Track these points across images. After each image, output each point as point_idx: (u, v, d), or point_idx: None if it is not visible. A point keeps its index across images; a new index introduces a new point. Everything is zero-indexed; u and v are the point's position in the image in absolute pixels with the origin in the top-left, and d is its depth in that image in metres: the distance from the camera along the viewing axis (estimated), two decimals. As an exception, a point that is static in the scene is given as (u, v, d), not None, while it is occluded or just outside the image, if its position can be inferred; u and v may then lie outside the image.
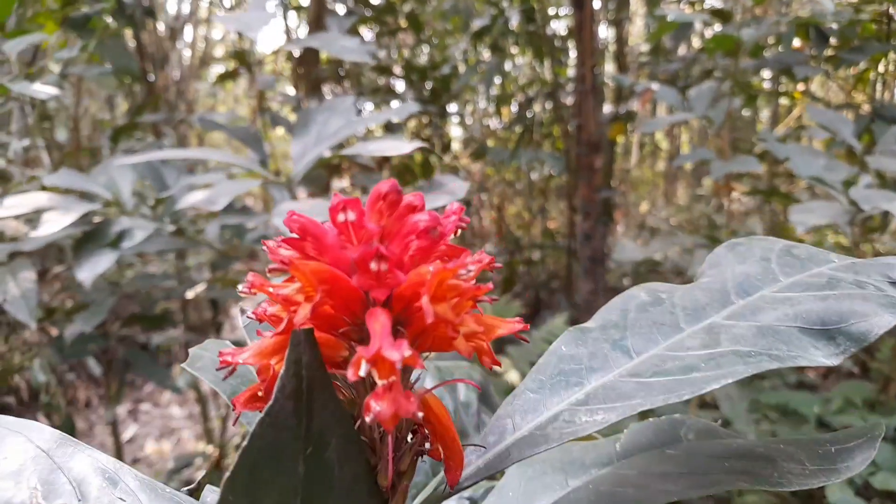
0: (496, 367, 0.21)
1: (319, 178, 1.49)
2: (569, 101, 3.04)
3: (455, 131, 3.78)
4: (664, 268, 2.81)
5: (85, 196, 1.16)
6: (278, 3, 1.10)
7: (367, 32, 2.64)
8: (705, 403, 1.83)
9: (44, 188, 1.19)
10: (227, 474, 0.18)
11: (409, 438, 0.22)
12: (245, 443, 0.18)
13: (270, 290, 0.19)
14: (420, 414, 0.17)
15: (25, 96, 1.34)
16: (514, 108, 3.53)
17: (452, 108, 3.23)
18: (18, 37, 1.47)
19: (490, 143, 3.70)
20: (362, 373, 0.17)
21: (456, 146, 3.64)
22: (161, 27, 2.67)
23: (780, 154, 1.25)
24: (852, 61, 1.95)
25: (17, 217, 1.55)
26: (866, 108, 2.25)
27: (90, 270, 0.94)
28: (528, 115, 3.14)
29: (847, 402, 1.81)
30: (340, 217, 0.19)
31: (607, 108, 3.23)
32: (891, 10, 2.01)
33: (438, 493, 0.22)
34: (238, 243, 1.54)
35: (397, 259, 0.19)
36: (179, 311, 1.81)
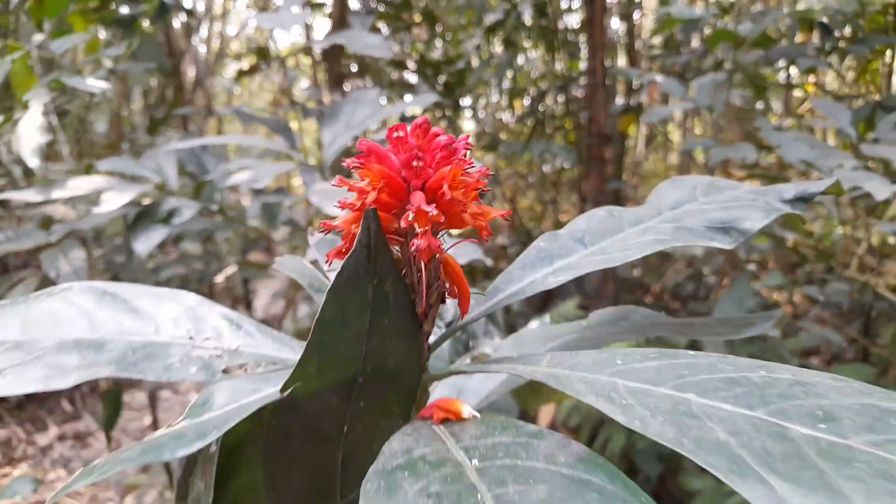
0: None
1: (343, 166, 1.61)
2: (580, 94, 3.13)
3: (468, 125, 3.89)
4: (675, 256, 2.89)
5: (135, 179, 1.29)
6: (305, 3, 1.22)
7: (382, 26, 2.75)
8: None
9: (94, 172, 1.32)
10: (329, 288, 0.30)
11: (434, 285, 0.33)
12: (338, 272, 0.30)
13: (352, 184, 0.31)
14: (441, 254, 0.29)
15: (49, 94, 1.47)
16: (526, 101, 3.62)
17: (465, 101, 3.33)
18: (63, 36, 1.61)
19: (502, 136, 3.80)
20: (409, 219, 0.29)
21: (469, 140, 3.73)
22: (177, 24, 2.80)
23: (771, 141, 1.35)
24: (858, 53, 2.01)
25: (64, 202, 1.70)
26: (876, 97, 2.31)
27: (145, 243, 1.07)
28: (541, 108, 3.23)
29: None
30: (394, 134, 0.31)
31: (619, 101, 3.33)
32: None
33: (454, 320, 0.34)
34: (267, 230, 1.67)
35: (428, 162, 0.31)
36: (208, 293, 1.94)
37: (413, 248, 0.29)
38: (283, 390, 0.27)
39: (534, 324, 0.62)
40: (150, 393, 1.62)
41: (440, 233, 0.33)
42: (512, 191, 4.07)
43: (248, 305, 1.69)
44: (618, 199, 3.18)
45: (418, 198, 0.30)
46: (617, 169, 3.33)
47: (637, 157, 4.93)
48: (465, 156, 0.33)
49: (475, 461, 0.22)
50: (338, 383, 0.31)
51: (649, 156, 5.08)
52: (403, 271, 0.33)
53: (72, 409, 2.82)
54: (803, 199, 0.40)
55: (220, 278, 1.86)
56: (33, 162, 1.07)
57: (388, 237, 0.32)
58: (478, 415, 0.28)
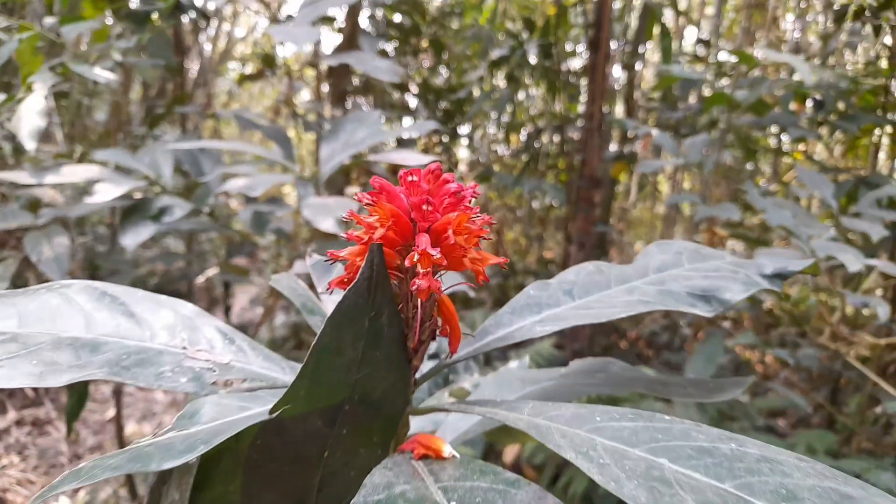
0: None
1: (337, 182, 1.63)
2: (576, 136, 3.20)
3: (463, 153, 3.94)
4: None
5: (128, 172, 1.29)
6: (317, 20, 1.25)
7: (388, 47, 2.80)
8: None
9: (90, 160, 1.32)
10: (328, 316, 0.31)
11: (427, 322, 0.35)
12: (339, 300, 0.31)
13: (361, 218, 0.33)
14: (440, 295, 0.30)
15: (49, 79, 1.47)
16: (522, 136, 3.69)
17: (463, 130, 3.39)
18: (73, 22, 1.62)
19: (496, 167, 3.86)
20: (414, 260, 0.30)
21: (462, 168, 3.79)
22: (184, 20, 2.82)
23: (757, 205, 1.40)
24: (845, 129, 2.10)
25: (53, 187, 1.68)
26: (862, 173, 2.41)
27: (134, 238, 1.07)
28: (536, 145, 3.29)
29: (809, 448, 1.91)
30: (409, 178, 0.33)
31: (612, 147, 3.41)
32: (891, 85, 2.15)
33: (443, 357, 0.35)
34: (251, 236, 1.67)
35: (436, 206, 0.32)
36: (188, 292, 1.93)
37: (414, 288, 0.30)
38: (272, 411, 0.28)
39: (513, 363, 0.63)
40: (116, 387, 1.59)
41: (439, 273, 0.35)
42: (499, 223, 4.11)
43: (226, 309, 1.67)
44: (603, 243, 3.23)
45: (424, 240, 0.31)
46: (604, 213, 3.39)
47: (625, 203, 5.03)
48: (471, 203, 0.35)
49: (454, 503, 0.23)
50: (324, 408, 0.32)
51: (637, 203, 5.19)
52: (400, 306, 0.34)
53: (33, 395, 2.74)
54: (781, 276, 0.43)
55: (201, 279, 1.84)
56: (31, 145, 1.07)
57: (389, 272, 0.33)
58: (457, 455, 0.29)
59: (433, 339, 0.35)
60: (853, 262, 1.19)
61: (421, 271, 0.31)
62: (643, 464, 0.23)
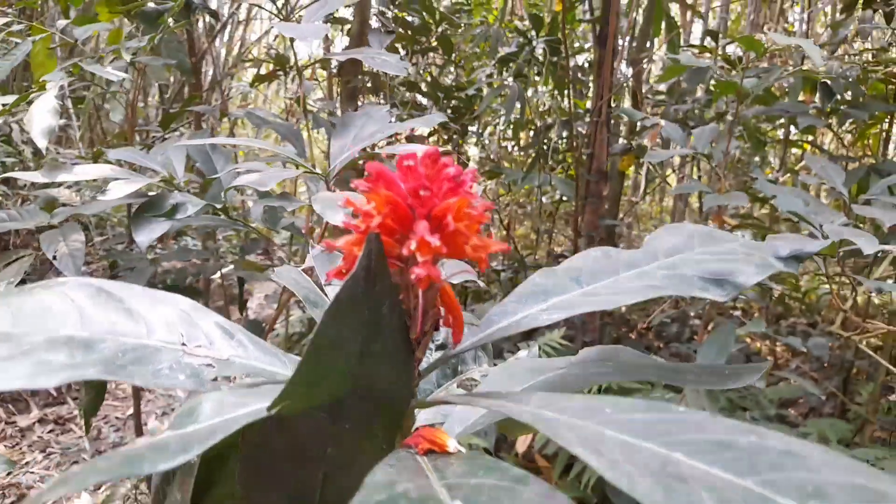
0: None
1: (347, 178, 1.62)
2: (584, 131, 3.18)
3: (472, 150, 3.93)
4: (663, 297, 2.90)
5: (139, 170, 1.29)
6: (328, 17, 1.24)
7: (398, 46, 2.80)
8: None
9: (105, 161, 1.33)
10: (326, 309, 0.30)
11: (430, 312, 0.34)
12: (337, 293, 0.30)
13: (358, 206, 0.32)
14: (441, 284, 0.29)
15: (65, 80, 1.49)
16: (531, 132, 3.67)
17: (472, 127, 3.37)
18: (86, 24, 1.63)
19: (505, 164, 3.84)
20: (412, 248, 0.29)
21: (472, 165, 3.78)
22: (200, 25, 2.84)
23: (766, 192, 1.37)
24: (855, 117, 2.06)
25: (70, 187, 1.70)
26: (871, 161, 2.36)
27: (147, 235, 1.07)
28: (544, 140, 3.28)
29: (822, 438, 1.88)
30: (405, 162, 0.31)
31: (620, 142, 3.37)
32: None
33: (447, 349, 0.34)
34: (268, 233, 1.67)
35: (435, 192, 0.31)
36: (204, 290, 1.94)
37: (413, 276, 0.29)
38: (270, 408, 0.27)
39: (522, 353, 0.62)
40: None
41: (440, 261, 0.34)
42: (509, 218, 4.09)
43: (241, 305, 1.68)
44: (612, 236, 3.20)
45: (423, 227, 0.30)
46: (613, 207, 3.36)
47: (634, 197, 4.98)
48: (471, 188, 0.34)
49: (458, 502, 0.22)
50: (326, 404, 0.31)
51: (645, 197, 5.14)
52: (400, 296, 0.33)
53: (56, 393, 2.78)
54: (797, 258, 0.41)
55: (216, 276, 1.85)
56: (42, 142, 1.07)
57: (388, 261, 0.32)
58: (463, 450, 0.28)
59: (436, 329, 0.34)
60: (868, 245, 1.16)
61: (420, 259, 0.29)
62: (657, 459, 0.21)
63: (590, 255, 0.40)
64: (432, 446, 0.29)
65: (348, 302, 0.30)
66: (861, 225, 1.59)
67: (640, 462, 0.21)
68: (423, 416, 0.44)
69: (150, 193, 1.22)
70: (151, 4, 1.57)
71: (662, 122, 1.67)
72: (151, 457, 0.24)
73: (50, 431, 2.57)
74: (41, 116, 1.10)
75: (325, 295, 0.45)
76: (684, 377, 0.37)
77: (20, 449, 2.41)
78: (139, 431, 1.77)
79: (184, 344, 0.33)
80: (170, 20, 1.48)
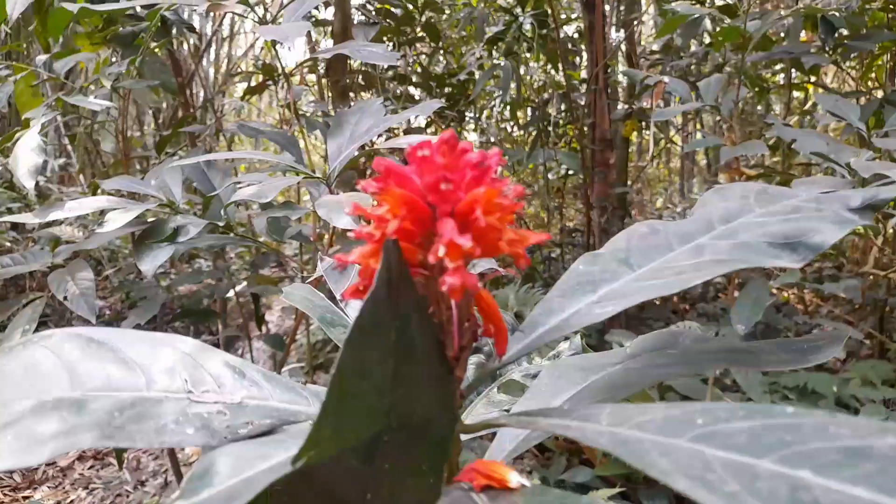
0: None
1: (350, 179, 1.58)
2: (582, 101, 3.11)
3: (471, 137, 3.86)
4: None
5: (139, 198, 1.26)
6: (308, 17, 1.19)
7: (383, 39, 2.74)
8: (726, 386, 1.87)
9: (102, 192, 1.30)
10: (347, 335, 0.25)
11: (466, 324, 0.29)
12: (357, 314, 0.26)
13: (369, 211, 0.27)
14: (476, 291, 0.25)
15: (58, 118, 1.46)
16: (529, 110, 3.60)
17: (469, 113, 3.31)
18: (67, 56, 1.59)
19: (507, 145, 3.77)
20: (440, 254, 0.24)
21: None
22: (185, 46, 2.80)
23: (785, 136, 1.30)
24: (861, 49, 1.97)
25: (71, 224, 1.67)
26: (879, 94, 2.27)
27: (151, 263, 1.03)
28: (544, 116, 3.21)
29: (865, 381, 1.82)
30: (419, 153, 0.27)
31: (620, 107, 3.29)
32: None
33: (491, 363, 0.30)
34: (277, 245, 1.64)
35: (457, 184, 0.27)
36: (220, 310, 1.91)
37: (445, 287, 0.25)
38: (294, 462, 0.23)
39: (563, 345, 0.57)
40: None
41: (471, 263, 0.29)
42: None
43: (259, 321, 1.65)
44: (623, 204, 3.14)
45: (449, 227, 0.25)
46: (621, 174, 3.29)
47: (641, 162, 4.89)
48: (497, 174, 0.29)
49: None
50: (358, 443, 0.27)
51: (654, 160, 5.04)
52: (430, 310, 0.28)
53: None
54: (872, 207, 0.36)
55: (230, 294, 1.82)
56: (29, 183, 1.04)
57: (411, 271, 0.28)
58: (528, 483, 0.24)
59: (475, 341, 0.30)
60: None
61: (450, 266, 0.25)
62: (783, 484, 0.17)
63: (635, 233, 0.35)
64: (490, 481, 0.24)
65: (371, 325, 0.26)
66: (878, 159, 1.52)
67: (763, 492, 0.17)
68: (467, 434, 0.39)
69: (151, 219, 1.19)
70: (128, 28, 1.53)
71: (666, 79, 1.60)
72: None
73: (90, 468, 2.58)
74: (26, 155, 1.06)
75: (343, 311, 0.40)
76: (762, 359, 0.33)
77: (63, 488, 2.43)
78: (173, 460, 1.75)
79: (189, 391, 0.29)
80: (149, 42, 1.44)
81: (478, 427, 0.30)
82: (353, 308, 0.40)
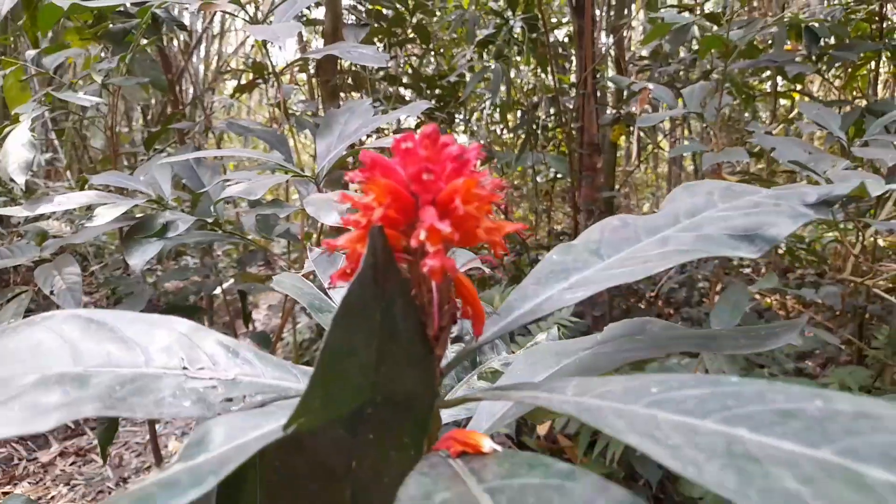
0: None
1: (338, 178, 1.60)
2: (571, 105, 3.14)
3: (461, 139, 3.89)
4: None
5: (128, 194, 1.27)
6: (299, 17, 1.21)
7: (376, 43, 2.76)
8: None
9: (90, 187, 1.30)
10: (334, 315, 0.27)
11: (446, 306, 0.31)
12: (344, 294, 0.28)
13: (356, 200, 0.29)
14: (455, 274, 0.27)
15: (46, 113, 1.46)
16: (518, 113, 3.63)
17: (459, 115, 3.34)
18: (56, 52, 1.59)
19: (496, 148, 3.80)
20: (421, 238, 0.26)
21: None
22: (175, 43, 2.80)
23: (765, 144, 1.34)
24: (844, 59, 2.03)
25: (58, 218, 1.67)
26: (862, 103, 2.33)
27: (139, 257, 1.04)
28: (533, 119, 3.24)
29: (843, 386, 1.87)
30: (403, 145, 0.29)
31: (609, 112, 3.33)
32: (885, 10, 2.07)
33: (468, 343, 0.32)
34: (265, 242, 1.65)
35: (438, 175, 0.29)
36: (207, 307, 1.92)
37: (426, 269, 0.27)
38: (285, 428, 0.25)
39: (541, 336, 0.59)
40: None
41: (451, 250, 0.31)
42: (506, 202, 4.06)
43: (246, 318, 1.65)
44: (611, 208, 3.18)
45: (430, 214, 0.27)
46: (609, 178, 3.33)
47: (629, 167, 4.95)
48: (476, 167, 0.31)
49: (504, 508, 0.20)
50: (345, 416, 0.29)
51: (640, 165, 5.10)
52: (413, 292, 0.30)
53: (73, 425, 2.78)
54: (827, 203, 0.39)
55: (217, 291, 1.82)
56: (20, 178, 1.04)
57: (395, 256, 0.30)
58: (499, 449, 0.26)
59: (454, 322, 0.32)
60: (875, 186, 1.14)
61: (430, 250, 0.27)
62: (720, 439, 0.19)
63: (607, 226, 0.38)
64: (465, 448, 0.27)
65: (357, 305, 0.28)
66: (860, 168, 1.57)
67: (702, 445, 0.19)
68: (446, 414, 0.41)
69: (140, 215, 1.20)
70: (119, 24, 1.53)
71: (651, 86, 1.64)
72: (162, 495, 0.22)
73: (72, 464, 2.56)
74: (16, 151, 1.07)
75: (331, 299, 0.42)
76: (720, 343, 0.35)
77: (44, 484, 2.41)
78: (157, 455, 1.75)
79: (185, 368, 0.31)
80: (140, 38, 1.45)
81: (455, 402, 0.32)
82: (340, 295, 0.42)
